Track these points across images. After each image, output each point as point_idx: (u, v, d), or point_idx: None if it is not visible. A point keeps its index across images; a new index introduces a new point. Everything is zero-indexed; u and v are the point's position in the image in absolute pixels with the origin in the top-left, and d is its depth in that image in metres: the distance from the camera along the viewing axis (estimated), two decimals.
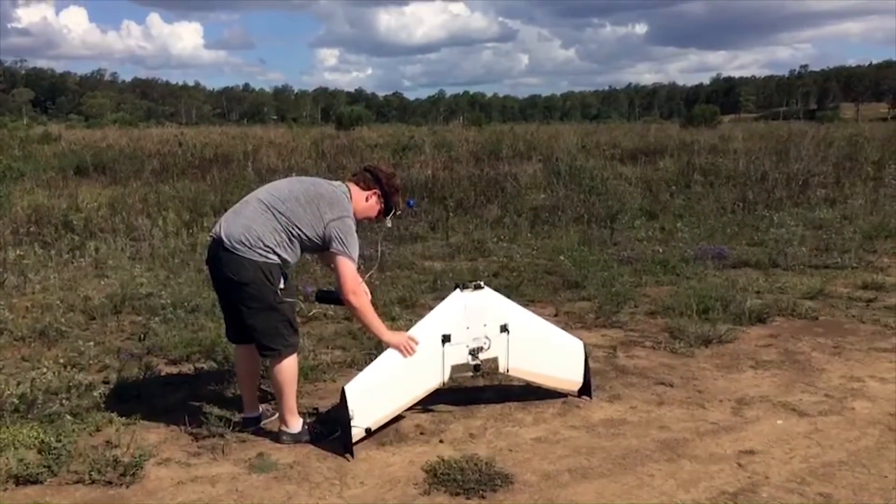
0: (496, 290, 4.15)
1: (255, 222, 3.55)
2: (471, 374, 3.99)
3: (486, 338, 3.95)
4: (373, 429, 3.67)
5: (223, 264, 3.57)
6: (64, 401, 4.01)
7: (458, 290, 3.94)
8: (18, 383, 4.10)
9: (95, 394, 4.11)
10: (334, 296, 3.93)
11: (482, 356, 3.94)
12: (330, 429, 3.75)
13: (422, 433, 3.80)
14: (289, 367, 3.66)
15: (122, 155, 18.95)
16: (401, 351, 3.70)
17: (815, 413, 4.00)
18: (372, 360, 3.87)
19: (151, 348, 5.08)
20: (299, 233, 3.58)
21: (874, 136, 21.35)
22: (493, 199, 11.62)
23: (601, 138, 22.54)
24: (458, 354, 3.89)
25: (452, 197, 11.54)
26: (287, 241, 3.58)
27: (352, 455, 3.53)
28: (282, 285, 3.60)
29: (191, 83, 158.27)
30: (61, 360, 4.64)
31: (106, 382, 4.46)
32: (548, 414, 4.04)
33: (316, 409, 4.11)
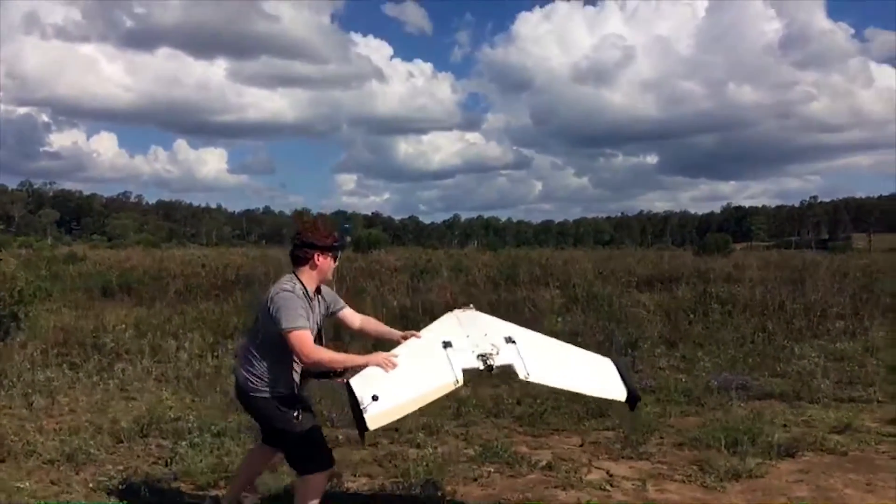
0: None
1: (242, 366, 3.82)
2: (487, 375, 3.92)
3: (492, 345, 3.88)
4: (380, 397, 3.45)
5: (243, 405, 3.91)
6: None
7: (449, 313, 4.19)
8: None
9: None
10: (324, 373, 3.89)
11: (494, 362, 3.82)
12: None
13: None
14: (316, 484, 3.75)
15: (146, 276, 19.33)
16: (381, 366, 3.66)
17: None
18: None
19: (178, 473, 5.08)
20: (269, 346, 3.70)
21: (890, 266, 21.41)
22: None
23: (616, 264, 22.71)
24: (465, 358, 3.80)
25: None
26: (271, 363, 3.72)
27: (363, 442, 3.66)
28: (295, 413, 3.72)
29: (213, 205, 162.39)
30: (90, 485, 4.66)
31: None
32: None
33: None
